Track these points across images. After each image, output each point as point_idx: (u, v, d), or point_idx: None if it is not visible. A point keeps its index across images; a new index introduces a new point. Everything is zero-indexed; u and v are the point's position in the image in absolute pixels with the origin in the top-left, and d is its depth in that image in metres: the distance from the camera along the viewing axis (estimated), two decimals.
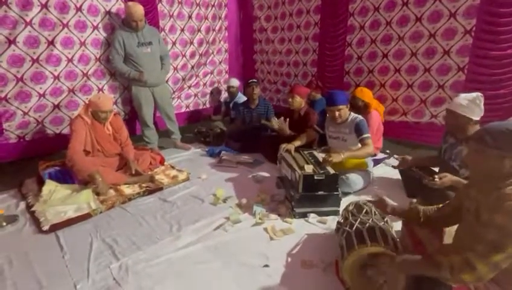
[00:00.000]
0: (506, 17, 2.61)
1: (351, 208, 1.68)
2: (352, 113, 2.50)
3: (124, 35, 3.07)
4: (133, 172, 2.61)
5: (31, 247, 1.82)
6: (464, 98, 1.87)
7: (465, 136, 1.92)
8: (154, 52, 3.23)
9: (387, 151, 3.19)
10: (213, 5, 4.44)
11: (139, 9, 3.03)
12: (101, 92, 3.46)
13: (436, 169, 2.18)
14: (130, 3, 3.07)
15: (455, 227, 1.36)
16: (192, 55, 4.34)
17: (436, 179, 1.83)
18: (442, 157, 2.14)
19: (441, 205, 1.46)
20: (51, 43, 2.99)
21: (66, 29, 3.06)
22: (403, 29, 3.30)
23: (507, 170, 1.05)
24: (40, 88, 3.03)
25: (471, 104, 1.83)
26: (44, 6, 2.88)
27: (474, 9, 2.80)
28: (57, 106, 3.18)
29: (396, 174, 2.55)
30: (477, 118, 1.85)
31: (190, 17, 4.16)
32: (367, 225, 1.44)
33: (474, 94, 1.86)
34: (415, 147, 3.25)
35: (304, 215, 2.08)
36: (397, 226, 1.70)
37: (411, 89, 3.38)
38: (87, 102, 2.59)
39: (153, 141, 3.44)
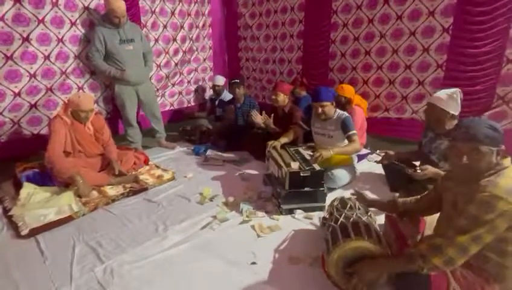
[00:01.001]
0: (481, 16, 2.71)
1: (335, 203, 1.72)
2: (338, 110, 2.54)
3: (105, 32, 2.96)
4: (116, 172, 2.55)
5: (9, 253, 1.75)
6: (443, 92, 1.96)
7: (443, 130, 2.01)
8: (136, 49, 3.15)
9: (369, 147, 3.26)
10: (196, 1, 4.38)
11: (122, 5, 2.93)
12: (81, 90, 3.35)
13: (417, 163, 2.25)
14: None
15: (435, 219, 1.42)
16: (176, 52, 4.28)
17: (418, 170, 1.91)
18: (423, 151, 2.22)
19: (419, 196, 1.52)
20: (26, 39, 2.87)
21: (41, 25, 2.94)
22: (384, 27, 3.37)
23: (493, 163, 1.10)
24: (15, 87, 2.90)
25: (449, 98, 1.92)
26: (18, 1, 2.76)
27: (452, 7, 2.89)
28: (34, 106, 3.06)
29: (379, 169, 2.62)
30: (455, 113, 1.93)
31: (173, 13, 4.09)
32: (351, 219, 1.47)
33: (453, 89, 1.94)
34: (397, 142, 3.34)
35: (290, 211, 2.10)
36: (381, 219, 1.76)
37: (393, 85, 3.46)
38: (66, 101, 2.49)
39: (136, 141, 3.37)
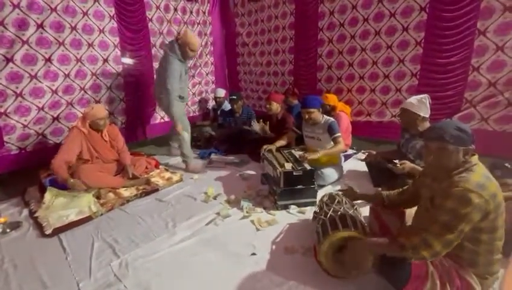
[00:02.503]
0: (449, 30, 2.74)
1: (325, 199, 1.71)
2: (325, 115, 2.54)
3: (180, 65, 2.66)
4: (130, 176, 2.54)
5: (35, 251, 1.73)
6: (414, 98, 1.99)
7: (417, 131, 2.02)
8: (188, 75, 2.94)
9: (354, 147, 3.27)
10: (199, 23, 4.41)
11: (198, 41, 2.69)
12: (98, 104, 3.35)
13: (396, 161, 2.26)
14: (190, 32, 2.64)
15: (414, 210, 1.42)
16: None
17: (398, 165, 1.93)
18: (401, 150, 2.23)
19: (401, 190, 1.52)
20: (48, 60, 2.87)
21: (62, 46, 2.94)
22: (364, 42, 3.39)
23: (460, 160, 1.10)
24: (39, 102, 2.90)
25: (419, 103, 1.94)
26: (40, 26, 2.77)
27: (423, 24, 2.92)
28: (56, 118, 3.06)
29: (363, 167, 2.62)
30: (425, 115, 1.95)
31: (178, 34, 4.10)
32: (339, 213, 1.47)
33: (422, 95, 1.97)
34: (378, 143, 3.35)
35: (285, 207, 2.10)
36: (365, 212, 1.75)
37: (374, 93, 3.48)
38: (82, 114, 2.47)
39: (192, 153, 2.99)
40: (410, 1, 2.97)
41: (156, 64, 3.83)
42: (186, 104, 4.50)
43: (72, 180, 2.28)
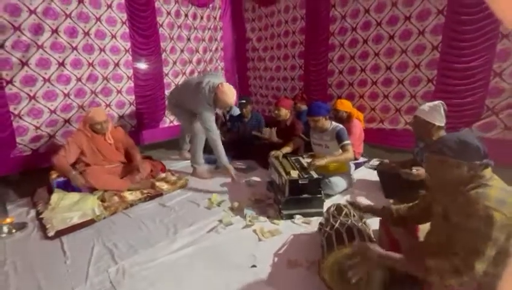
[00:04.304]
0: (468, 34, 2.60)
1: (332, 209, 1.62)
2: (333, 122, 2.45)
3: (213, 114, 2.64)
4: (141, 172, 2.52)
5: (36, 253, 1.73)
6: (427, 105, 1.87)
7: (431, 141, 1.89)
8: None
9: (365, 156, 3.14)
10: (209, 28, 4.44)
11: (232, 99, 2.57)
12: (108, 107, 3.41)
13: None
14: (227, 90, 2.50)
15: (427, 226, 1.31)
16: (192, 73, 4.32)
17: (413, 171, 1.80)
18: (416, 160, 2.10)
19: (411, 204, 1.41)
20: (61, 64, 2.95)
21: (75, 51, 3.02)
22: (378, 46, 3.29)
23: (465, 175, 1.02)
24: (51, 105, 2.98)
25: (432, 110, 1.82)
26: (55, 31, 2.86)
27: (440, 27, 2.79)
28: (67, 121, 3.13)
29: (375, 177, 2.49)
30: (440, 124, 1.82)
31: (189, 39, 4.15)
32: (346, 226, 1.37)
33: (436, 102, 1.84)
34: (391, 152, 3.21)
35: (290, 216, 2.01)
36: (375, 225, 1.64)
37: (387, 99, 3.35)
38: (83, 118, 2.50)
39: (201, 163, 2.94)
40: (426, 4, 2.85)
41: (165, 69, 3.88)
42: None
43: (73, 172, 2.29)
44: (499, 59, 2.53)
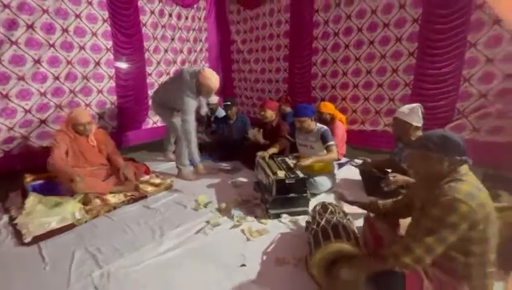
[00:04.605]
0: (440, 42, 2.78)
1: (318, 208, 1.67)
2: (318, 124, 2.53)
3: (195, 101, 2.59)
4: (127, 177, 2.44)
5: (12, 260, 1.64)
6: (405, 107, 1.99)
7: (409, 141, 2.01)
8: None
9: (347, 157, 3.25)
10: (194, 29, 4.41)
11: (216, 83, 2.55)
12: (88, 107, 3.28)
13: (390, 170, 2.24)
14: (209, 74, 2.49)
15: (409, 221, 1.39)
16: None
17: (390, 178, 1.89)
18: (394, 160, 2.22)
19: (395, 199, 1.49)
20: (37, 61, 2.81)
21: (52, 48, 2.89)
22: (359, 51, 3.43)
23: (445, 170, 1.09)
24: (26, 104, 2.82)
25: (411, 112, 1.94)
26: (30, 27, 2.72)
27: (415, 35, 2.97)
28: (43, 121, 2.98)
29: (357, 176, 2.59)
30: (417, 124, 1.95)
31: (173, 39, 4.10)
32: (331, 223, 1.43)
33: (414, 104, 1.97)
34: (372, 152, 3.34)
35: (277, 216, 2.04)
36: (359, 222, 1.71)
37: (367, 101, 3.50)
38: (66, 117, 2.41)
39: (187, 165, 2.89)
40: (403, 12, 3.03)
41: (148, 69, 3.80)
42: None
43: (78, 177, 2.16)
44: (467, 66, 2.73)
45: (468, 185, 1.05)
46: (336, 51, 3.62)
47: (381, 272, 1.12)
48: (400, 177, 1.88)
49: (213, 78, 2.51)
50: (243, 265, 1.55)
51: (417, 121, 1.95)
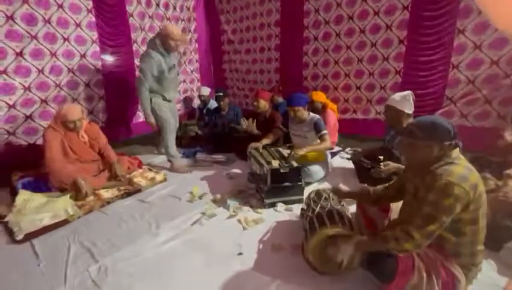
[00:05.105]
0: (430, 29, 2.81)
1: (312, 195, 1.70)
2: (311, 113, 2.54)
3: (160, 60, 2.59)
4: (118, 174, 2.42)
5: (4, 258, 1.62)
6: (397, 95, 2.02)
7: (401, 128, 2.04)
8: (175, 73, 2.87)
9: (341, 145, 3.29)
10: (183, 19, 4.30)
11: (179, 31, 2.64)
12: (75, 102, 3.19)
13: (382, 157, 2.28)
14: (170, 25, 2.78)
15: (400, 205, 1.43)
16: None
17: (381, 167, 1.93)
18: (387, 147, 2.26)
19: (386, 185, 1.52)
20: (20, 54, 2.70)
21: (34, 40, 2.77)
22: (350, 40, 3.43)
23: (435, 155, 1.11)
24: (10, 99, 2.72)
25: (403, 99, 1.97)
26: (11, 18, 2.59)
27: (405, 22, 2.98)
28: (29, 117, 2.88)
29: (350, 164, 2.64)
30: (409, 112, 1.98)
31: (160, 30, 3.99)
32: (326, 209, 1.45)
33: (405, 92, 2.00)
34: (364, 140, 3.39)
35: (272, 205, 2.07)
36: (352, 208, 1.75)
37: (359, 90, 3.52)
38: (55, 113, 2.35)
39: (176, 153, 2.93)
40: (393, 0, 3.03)
41: (137, 61, 3.70)
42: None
43: (83, 181, 2.17)
44: (456, 53, 2.77)
45: (460, 167, 1.08)
46: (327, 40, 3.61)
47: (374, 252, 1.15)
48: (392, 165, 1.93)
49: (173, 26, 2.67)
50: (240, 254, 1.58)
51: (409, 108, 1.98)
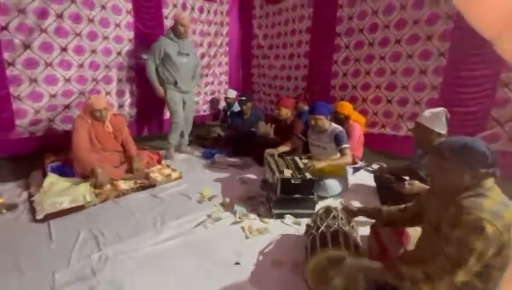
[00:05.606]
0: (476, 42, 2.52)
1: (320, 212, 1.59)
2: (333, 124, 2.42)
3: (167, 43, 2.93)
4: (135, 167, 2.52)
5: (23, 234, 1.74)
6: (428, 111, 1.83)
7: (430, 148, 1.84)
8: (189, 62, 3.10)
9: (364, 161, 3.08)
10: (216, 23, 4.41)
11: (186, 17, 3.13)
12: (108, 95, 3.41)
13: (407, 177, 2.09)
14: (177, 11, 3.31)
15: (418, 232, 1.27)
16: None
17: (406, 185, 1.76)
18: (413, 167, 2.06)
19: (403, 206, 1.36)
20: (64, 49, 2.96)
21: (78, 37, 3.03)
22: (384, 50, 3.23)
23: (466, 184, 0.96)
24: (52, 89, 2.98)
25: (433, 117, 1.77)
26: (60, 16, 2.86)
27: (448, 33, 2.72)
28: (67, 106, 3.14)
29: (371, 182, 2.45)
30: (441, 131, 1.77)
31: (194, 32, 4.13)
32: (332, 229, 1.34)
33: (438, 109, 1.80)
34: (391, 158, 3.15)
35: (280, 216, 1.98)
36: (366, 231, 1.60)
37: (390, 104, 3.29)
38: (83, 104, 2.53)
39: (176, 142, 3.28)
40: (436, 9, 2.79)
41: None
42: (197, 102, 4.50)
43: (100, 170, 2.29)
44: (507, 68, 2.45)
45: (493, 201, 0.91)
46: (359, 49, 3.44)
47: (378, 283, 1.02)
48: (417, 185, 1.75)
49: (181, 13, 3.14)
50: (237, 263, 1.52)
51: (440, 127, 1.77)
